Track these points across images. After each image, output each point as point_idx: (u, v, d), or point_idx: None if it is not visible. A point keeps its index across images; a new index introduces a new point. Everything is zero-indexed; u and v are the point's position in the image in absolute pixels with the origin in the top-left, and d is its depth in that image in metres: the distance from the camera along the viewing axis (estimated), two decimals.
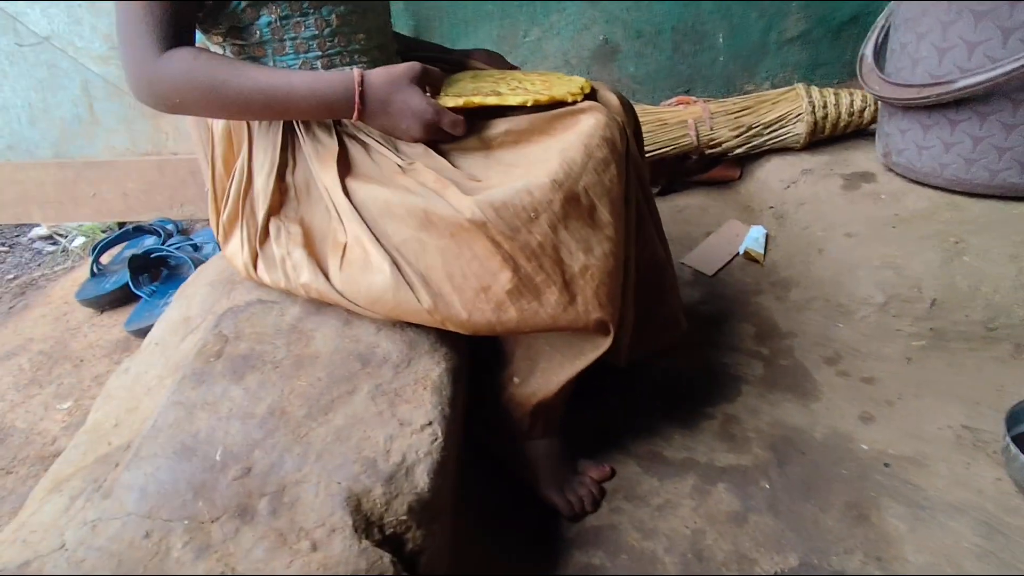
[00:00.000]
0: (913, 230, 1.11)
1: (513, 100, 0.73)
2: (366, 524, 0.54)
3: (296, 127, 0.74)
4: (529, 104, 0.73)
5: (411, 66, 0.70)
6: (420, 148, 0.73)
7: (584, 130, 0.71)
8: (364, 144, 0.74)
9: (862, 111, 1.40)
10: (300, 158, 0.74)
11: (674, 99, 1.53)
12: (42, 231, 1.81)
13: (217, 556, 0.50)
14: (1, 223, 1.73)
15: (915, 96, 1.11)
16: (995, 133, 1.06)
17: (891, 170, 1.28)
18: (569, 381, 0.79)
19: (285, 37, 0.72)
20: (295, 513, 0.53)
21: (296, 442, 0.59)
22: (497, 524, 0.82)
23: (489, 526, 0.82)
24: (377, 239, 0.67)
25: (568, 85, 0.78)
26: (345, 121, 0.74)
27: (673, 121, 1.44)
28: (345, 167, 0.72)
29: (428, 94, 0.72)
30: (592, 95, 0.78)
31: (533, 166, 0.70)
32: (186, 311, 0.84)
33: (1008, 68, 0.98)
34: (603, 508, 0.84)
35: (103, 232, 1.76)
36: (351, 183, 0.70)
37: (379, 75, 0.69)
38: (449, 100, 0.73)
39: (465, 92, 0.75)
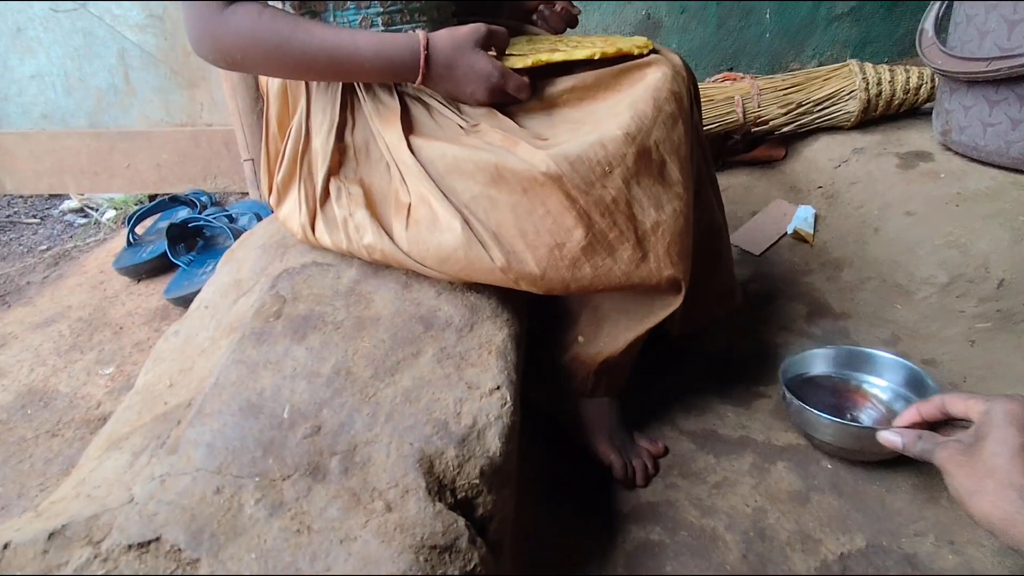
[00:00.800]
0: (978, 209, 1.07)
1: (580, 54, 0.70)
2: (439, 487, 0.52)
3: (356, 87, 0.72)
4: (597, 57, 0.70)
5: (476, 28, 0.67)
6: (484, 109, 0.71)
7: (652, 83, 0.69)
8: (426, 104, 0.72)
9: (918, 88, 1.35)
10: (360, 117, 0.72)
11: (720, 75, 1.48)
12: (73, 204, 1.81)
13: (292, 514, 0.48)
14: (35, 192, 1.73)
15: (983, 70, 1.07)
16: None
17: (949, 149, 1.24)
18: (637, 339, 0.77)
19: None
20: (367, 473, 0.51)
21: (364, 402, 0.57)
22: (552, 493, 0.80)
23: (544, 495, 0.80)
24: (445, 196, 0.64)
25: (631, 41, 0.75)
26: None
27: (720, 97, 1.40)
28: (408, 126, 0.70)
29: (493, 55, 0.69)
30: (655, 53, 0.75)
31: (602, 121, 0.67)
32: (236, 274, 0.83)
33: None
34: (658, 484, 0.81)
35: (135, 204, 1.75)
36: (415, 140, 0.68)
37: (444, 38, 0.66)
38: (516, 60, 0.70)
39: (530, 52, 0.72)
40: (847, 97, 1.35)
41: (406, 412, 0.56)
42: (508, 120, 0.70)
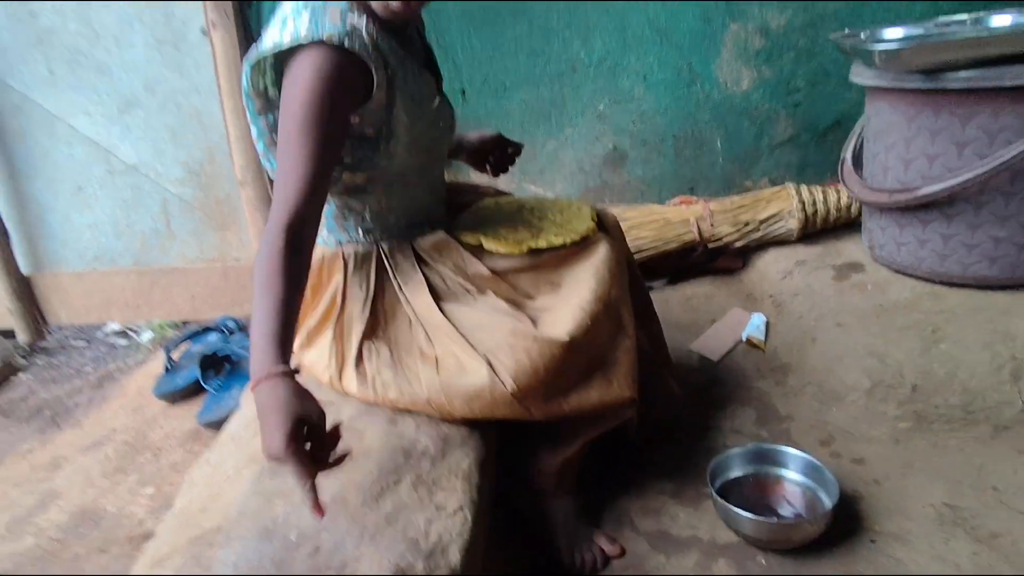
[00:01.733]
0: (895, 320, 1.22)
1: (557, 241, 0.91)
2: None
3: (385, 262, 0.90)
4: (569, 244, 0.92)
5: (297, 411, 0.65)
6: (487, 274, 0.91)
7: (602, 254, 0.93)
8: (440, 274, 0.91)
9: (849, 206, 1.54)
10: (388, 288, 0.90)
11: (677, 199, 1.70)
12: (115, 326, 2.04)
13: None
14: (85, 323, 1.97)
15: (887, 200, 1.26)
16: (961, 232, 1.19)
17: (877, 260, 1.41)
18: (587, 443, 0.95)
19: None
20: None
21: (354, 525, 0.72)
22: None
23: None
24: (472, 347, 0.82)
25: (583, 217, 0.97)
26: (424, 255, 0.91)
27: (676, 220, 1.61)
28: (433, 293, 0.89)
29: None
30: (597, 217, 0.98)
31: (575, 284, 0.91)
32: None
33: (964, 178, 1.12)
34: None
35: (171, 328, 1.98)
36: (444, 305, 0.87)
37: (270, 394, 0.66)
38: (514, 248, 0.90)
39: (511, 234, 0.93)
40: (787, 216, 1.55)
41: (386, 533, 0.72)
42: (506, 285, 0.91)
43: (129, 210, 1.79)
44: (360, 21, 0.75)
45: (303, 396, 0.67)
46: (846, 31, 1.38)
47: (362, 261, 0.90)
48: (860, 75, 1.22)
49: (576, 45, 1.69)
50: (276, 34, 0.74)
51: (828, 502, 0.95)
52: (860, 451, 1.12)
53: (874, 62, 1.14)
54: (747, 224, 1.57)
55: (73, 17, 1.59)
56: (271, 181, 1.00)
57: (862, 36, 1.34)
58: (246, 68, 0.79)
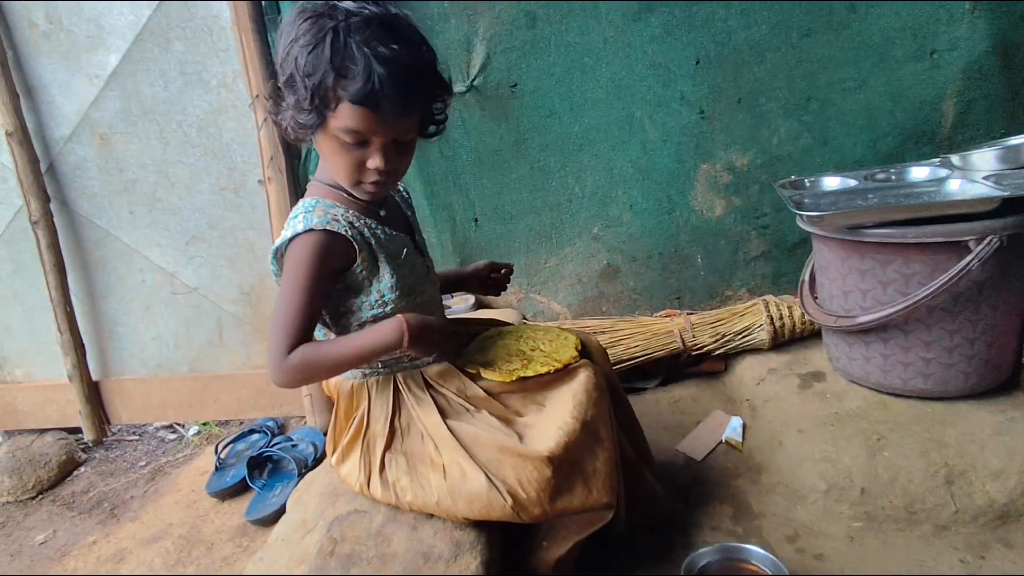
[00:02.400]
0: (846, 428, 1.41)
1: (542, 370, 1.14)
2: None
3: (401, 388, 1.14)
4: (552, 371, 1.14)
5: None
6: (482, 395, 1.14)
7: (582, 379, 1.14)
8: (445, 396, 1.15)
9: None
10: (404, 407, 1.13)
11: (663, 311, 1.93)
12: (164, 422, 2.28)
13: None
14: (144, 422, 2.22)
15: (835, 324, 1.47)
16: (896, 353, 1.39)
17: (836, 371, 1.61)
18: (579, 542, 1.13)
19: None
20: None
21: None
22: None
23: None
24: (472, 459, 1.04)
25: (568, 347, 1.20)
26: (432, 381, 1.14)
27: (662, 331, 1.84)
28: (440, 412, 1.12)
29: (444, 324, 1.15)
30: (582, 344, 1.22)
31: (557, 406, 1.11)
32: (303, 514, 1.22)
33: (889, 311, 1.33)
34: None
35: (216, 426, 2.21)
36: (449, 423, 1.09)
37: (413, 316, 1.03)
38: (505, 376, 1.13)
39: (505, 364, 1.16)
40: (759, 328, 1.77)
41: None
42: (499, 404, 1.13)
43: (189, 325, 2.07)
44: (338, 211, 1.03)
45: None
46: (791, 178, 1.64)
47: (382, 388, 1.14)
48: (800, 221, 1.47)
49: (571, 181, 1.98)
50: (283, 233, 1.02)
51: None
52: (821, 547, 1.29)
53: (804, 220, 1.39)
54: (724, 335, 1.79)
55: (153, 170, 1.93)
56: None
57: (806, 183, 1.60)
58: (272, 254, 1.06)
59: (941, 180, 1.43)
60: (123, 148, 1.92)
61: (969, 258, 1.22)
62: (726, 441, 1.62)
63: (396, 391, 1.14)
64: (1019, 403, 1.38)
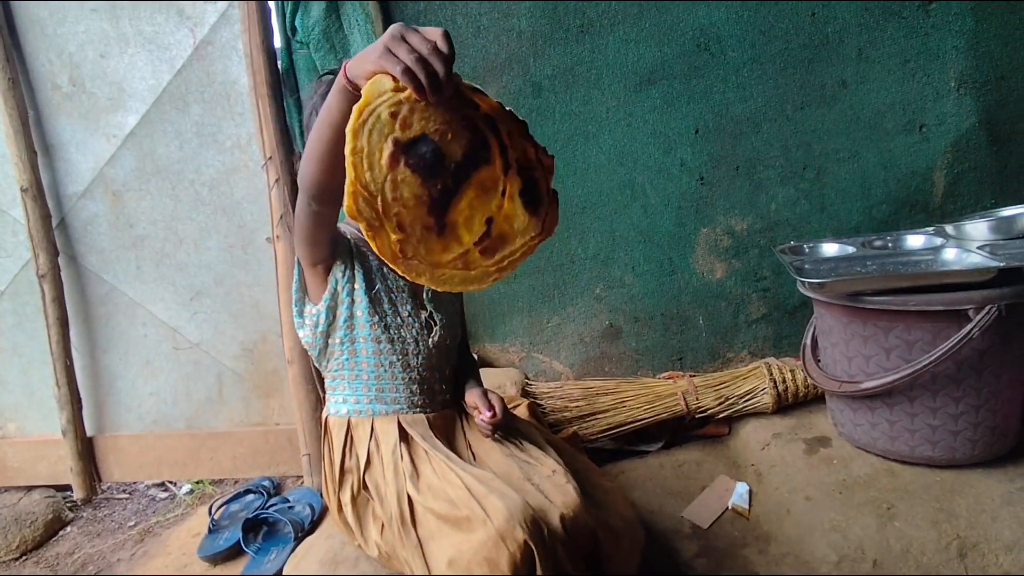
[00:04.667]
0: (855, 496, 1.39)
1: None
2: None
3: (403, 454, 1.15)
4: None
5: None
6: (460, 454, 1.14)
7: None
8: (427, 452, 1.14)
9: None
10: (415, 447, 1.17)
11: (665, 374, 1.93)
12: (156, 480, 2.22)
13: None
14: (136, 480, 2.17)
15: (838, 389, 1.48)
16: (902, 419, 1.39)
17: (841, 436, 1.60)
18: None
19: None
20: None
21: None
22: None
23: None
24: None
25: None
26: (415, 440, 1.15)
27: (666, 393, 1.83)
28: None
29: None
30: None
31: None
32: None
33: (893, 377, 1.34)
34: None
35: (210, 484, 2.16)
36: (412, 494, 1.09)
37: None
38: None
39: None
40: (762, 392, 1.76)
41: None
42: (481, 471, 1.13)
43: (188, 381, 2.05)
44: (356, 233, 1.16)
45: None
46: (791, 244, 1.68)
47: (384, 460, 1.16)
48: (802, 287, 1.49)
49: (574, 243, 2.01)
50: None
51: None
52: None
53: (806, 288, 1.42)
54: (727, 398, 1.79)
55: (163, 226, 1.96)
56: (315, 368, 1.32)
57: (806, 249, 1.63)
58: (296, 272, 1.13)
59: (937, 248, 1.47)
60: (135, 205, 1.96)
61: (970, 327, 1.24)
62: (732, 508, 1.59)
63: (402, 436, 1.16)
64: None
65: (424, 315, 1.23)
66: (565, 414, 1.86)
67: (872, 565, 1.28)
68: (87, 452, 2.07)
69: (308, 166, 0.90)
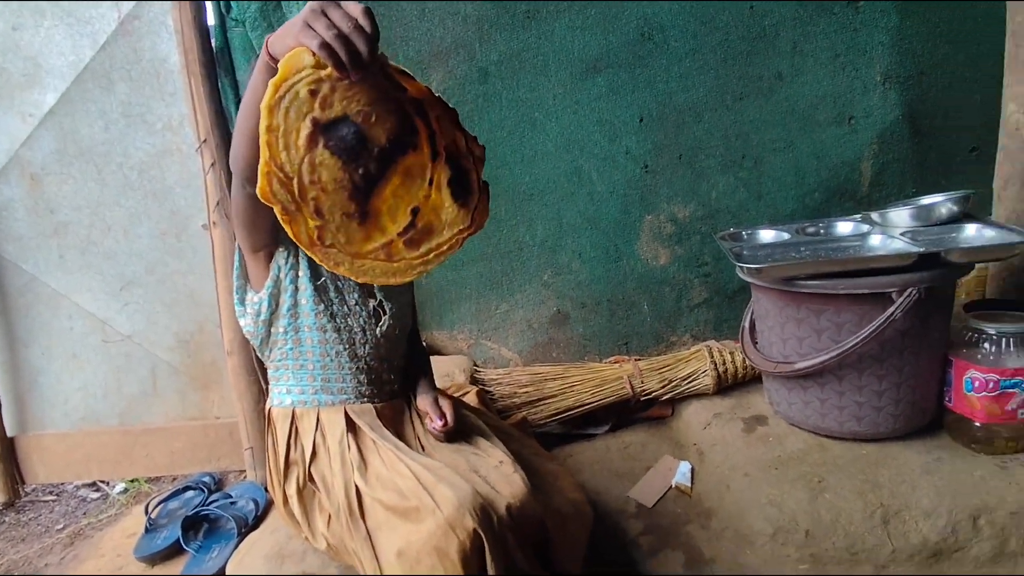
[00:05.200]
0: (789, 471, 1.46)
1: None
2: None
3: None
4: None
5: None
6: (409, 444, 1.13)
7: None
8: (375, 442, 1.13)
9: None
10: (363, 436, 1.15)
11: (612, 358, 1.97)
12: (86, 480, 2.11)
13: None
14: (63, 480, 2.05)
15: (774, 370, 1.54)
16: (832, 397, 1.47)
17: (777, 414, 1.67)
18: None
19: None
20: None
21: None
22: None
23: None
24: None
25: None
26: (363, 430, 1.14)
27: (612, 377, 1.87)
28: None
29: None
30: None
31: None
32: None
33: (824, 358, 1.41)
34: None
35: (146, 482, 2.07)
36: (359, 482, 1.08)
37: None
38: None
39: None
40: (703, 374, 1.83)
41: None
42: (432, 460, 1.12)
43: (119, 374, 1.95)
44: None
45: None
46: (730, 231, 1.73)
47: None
48: (740, 272, 1.55)
49: (521, 230, 2.02)
50: None
51: None
52: None
53: (744, 272, 1.47)
54: (671, 381, 1.84)
55: (88, 213, 1.85)
56: (257, 359, 1.29)
57: (744, 236, 1.69)
58: (237, 259, 1.09)
59: (863, 235, 1.55)
60: (56, 189, 1.84)
61: (892, 308, 1.31)
62: (676, 486, 1.64)
63: (349, 424, 1.14)
64: (944, 444, 1.47)
65: (372, 304, 1.21)
66: (514, 400, 1.87)
67: (804, 536, 1.35)
68: (8, 453, 1.95)
69: (238, 146, 0.86)
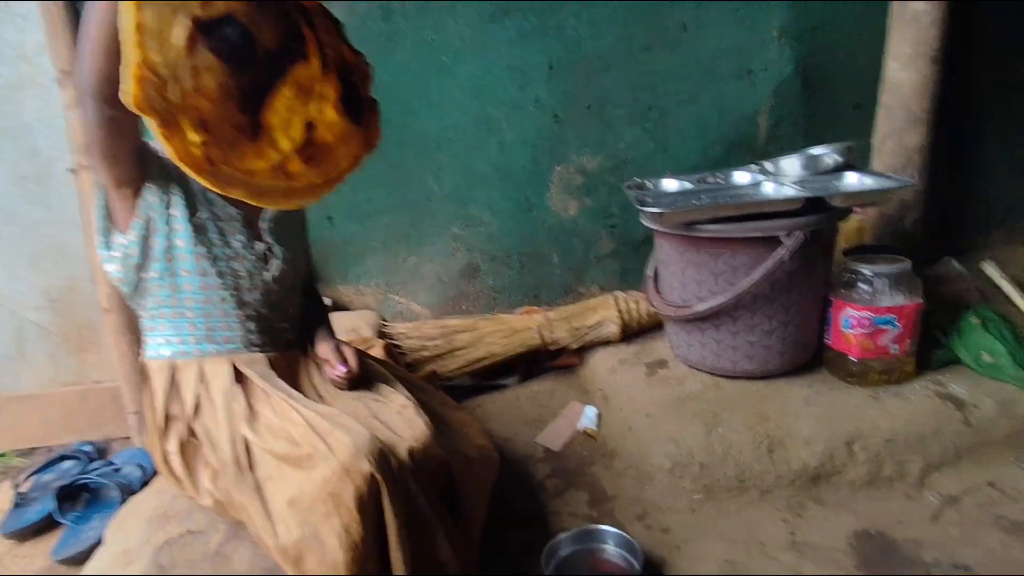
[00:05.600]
0: (687, 409, 1.53)
1: None
2: None
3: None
4: None
5: None
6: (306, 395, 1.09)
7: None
8: (266, 392, 1.06)
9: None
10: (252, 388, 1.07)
11: (523, 309, 1.97)
12: None
13: None
14: None
15: (675, 314, 1.59)
16: (726, 338, 1.54)
17: (678, 358, 1.74)
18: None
19: None
20: None
21: None
22: None
23: None
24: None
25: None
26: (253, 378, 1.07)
27: (522, 327, 1.87)
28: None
29: None
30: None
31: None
32: (124, 543, 1.07)
33: (719, 300, 1.47)
34: None
35: (17, 456, 1.88)
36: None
37: None
38: None
39: None
40: (609, 322, 1.86)
41: None
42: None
43: None
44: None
45: None
46: (636, 180, 1.75)
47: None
48: (644, 219, 1.57)
49: (430, 180, 1.96)
50: None
51: (637, 567, 1.18)
52: (666, 522, 1.38)
53: (647, 218, 1.49)
54: (579, 329, 1.87)
55: None
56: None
57: (649, 185, 1.72)
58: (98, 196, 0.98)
59: (758, 184, 1.61)
60: None
61: (782, 250, 1.38)
62: (583, 431, 1.68)
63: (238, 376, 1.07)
64: (823, 378, 1.58)
65: (261, 247, 1.12)
66: (423, 353, 1.84)
67: (699, 468, 1.42)
68: None
69: (88, 56, 0.75)
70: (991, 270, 1.89)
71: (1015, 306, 1.75)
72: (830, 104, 2.00)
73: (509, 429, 1.74)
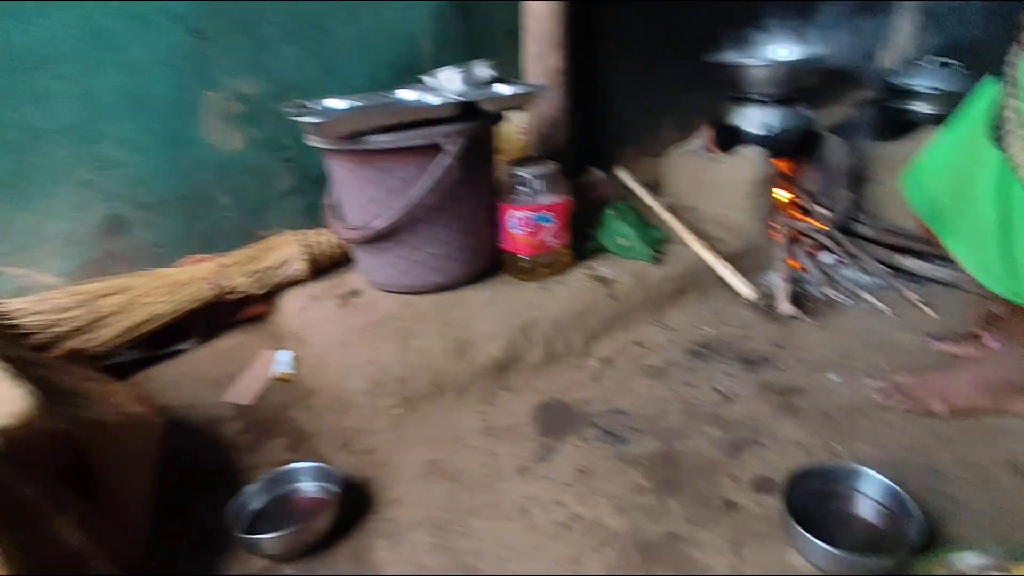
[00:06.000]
0: (382, 330, 1.50)
1: None
2: None
3: None
4: None
5: None
6: None
7: None
8: None
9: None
10: None
11: (187, 259, 1.72)
12: None
13: None
14: None
15: (357, 236, 1.54)
16: (408, 254, 1.55)
17: (371, 285, 1.70)
18: None
19: None
20: None
21: None
22: None
23: None
24: None
25: None
26: None
27: (188, 279, 1.62)
28: None
29: None
30: None
31: None
32: None
33: (396, 215, 1.46)
34: None
35: None
36: None
37: None
38: None
39: None
40: (295, 260, 1.73)
41: None
42: None
43: None
44: None
45: None
46: (295, 101, 1.62)
47: None
48: (310, 139, 1.46)
49: (31, 112, 1.53)
50: None
51: (336, 490, 1.13)
52: (370, 443, 1.35)
53: (309, 132, 1.39)
54: (259, 272, 1.69)
55: None
56: None
57: (312, 107, 1.60)
58: None
59: (421, 96, 1.62)
60: None
61: (446, 158, 1.41)
62: (277, 377, 1.55)
63: None
64: (503, 280, 1.70)
65: None
66: (57, 329, 1.48)
67: (396, 383, 1.41)
68: None
69: None
70: (624, 176, 2.25)
71: (642, 201, 2.12)
72: (486, 29, 2.10)
73: (191, 394, 1.52)
